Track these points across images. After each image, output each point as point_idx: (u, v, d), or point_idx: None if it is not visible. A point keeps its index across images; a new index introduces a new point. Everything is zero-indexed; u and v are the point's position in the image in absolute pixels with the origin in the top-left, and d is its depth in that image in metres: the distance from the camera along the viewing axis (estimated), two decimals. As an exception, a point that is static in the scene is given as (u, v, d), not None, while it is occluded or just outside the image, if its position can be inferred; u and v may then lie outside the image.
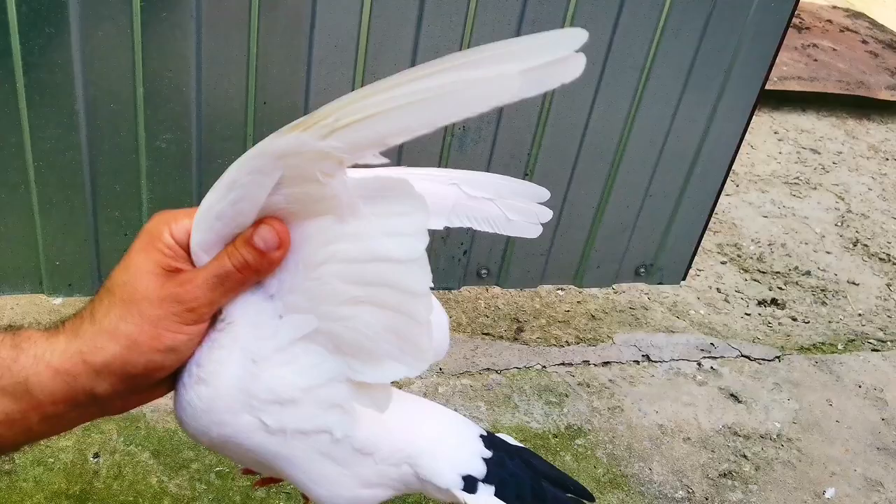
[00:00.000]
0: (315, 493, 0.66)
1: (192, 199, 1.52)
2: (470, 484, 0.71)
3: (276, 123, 1.54)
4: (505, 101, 0.50)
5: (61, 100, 1.37)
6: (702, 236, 2.05)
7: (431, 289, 0.58)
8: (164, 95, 1.41)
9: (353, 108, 0.51)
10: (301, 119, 0.53)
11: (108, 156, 1.44)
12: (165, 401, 1.79)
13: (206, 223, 0.57)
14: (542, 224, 0.78)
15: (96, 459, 1.67)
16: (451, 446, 0.73)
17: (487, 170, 1.72)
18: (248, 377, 0.59)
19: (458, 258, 1.83)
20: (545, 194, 0.79)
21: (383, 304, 0.58)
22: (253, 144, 1.56)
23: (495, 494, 0.72)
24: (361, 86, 1.56)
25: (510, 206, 0.76)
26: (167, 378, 0.61)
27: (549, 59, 0.50)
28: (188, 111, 1.44)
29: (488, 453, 0.74)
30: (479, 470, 0.73)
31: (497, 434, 0.79)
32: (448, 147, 1.66)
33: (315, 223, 0.57)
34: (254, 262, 0.56)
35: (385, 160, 0.53)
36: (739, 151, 1.93)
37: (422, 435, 0.72)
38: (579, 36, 0.52)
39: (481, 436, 0.76)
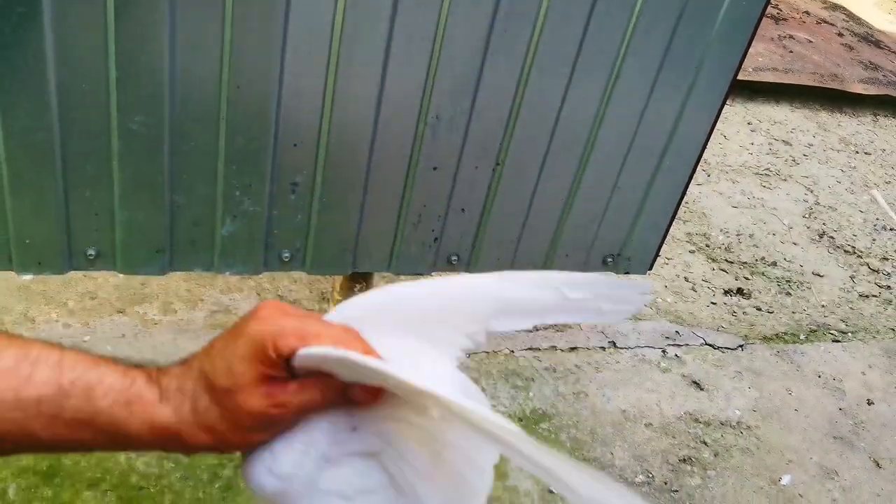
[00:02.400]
0: None
1: (163, 179, 1.53)
2: None
3: (250, 108, 1.55)
4: None
5: (33, 80, 1.36)
6: (668, 228, 2.08)
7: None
8: (136, 77, 1.41)
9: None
10: None
11: (79, 136, 1.44)
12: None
13: (314, 362, 0.62)
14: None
15: (64, 436, 1.69)
16: None
17: (461, 155, 1.74)
18: (316, 472, 0.63)
19: (429, 244, 1.85)
20: (646, 288, 0.80)
21: (445, 477, 0.64)
22: (226, 128, 1.56)
23: None
24: (335, 73, 1.57)
25: (607, 298, 0.77)
26: None
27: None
28: (161, 94, 1.44)
29: None
30: None
31: None
32: (421, 135, 1.68)
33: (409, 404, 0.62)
34: (342, 403, 0.62)
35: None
36: (711, 141, 1.96)
37: None
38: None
39: None
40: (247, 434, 0.60)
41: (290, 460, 0.64)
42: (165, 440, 0.59)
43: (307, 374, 0.61)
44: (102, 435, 0.58)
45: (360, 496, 0.65)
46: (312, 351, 0.59)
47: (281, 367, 0.59)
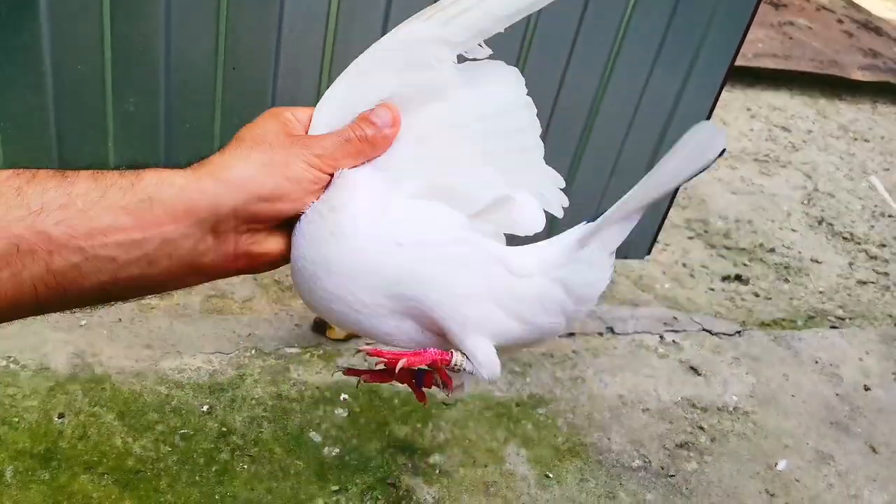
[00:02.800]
0: (459, 316, 0.62)
1: (160, 162, 1.52)
2: None
3: (246, 89, 1.54)
4: None
5: (29, 61, 1.36)
6: (666, 213, 2.08)
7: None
8: (132, 58, 1.41)
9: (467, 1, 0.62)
10: (424, 11, 0.62)
11: (75, 118, 1.44)
12: (130, 363, 1.79)
13: (329, 107, 0.63)
14: None
15: (61, 420, 1.68)
16: None
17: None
18: (377, 210, 0.62)
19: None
20: None
21: (496, 148, 0.66)
22: (221, 110, 1.55)
23: None
24: (332, 53, 1.56)
25: None
26: (282, 233, 0.63)
27: None
28: (156, 75, 1.43)
29: None
30: None
31: None
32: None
33: (425, 108, 0.64)
34: (371, 136, 0.62)
35: (489, 51, 0.64)
36: (708, 129, 1.95)
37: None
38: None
39: None
40: (289, 155, 0.60)
41: (345, 197, 0.62)
42: (194, 192, 0.56)
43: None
44: (128, 215, 0.55)
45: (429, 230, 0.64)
46: (330, 92, 0.64)
47: (303, 129, 0.63)
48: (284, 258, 0.63)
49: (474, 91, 0.65)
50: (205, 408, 1.78)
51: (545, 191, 0.69)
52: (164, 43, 1.43)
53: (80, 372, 1.79)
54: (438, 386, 0.65)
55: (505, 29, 0.62)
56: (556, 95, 1.75)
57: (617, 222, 0.65)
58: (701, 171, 0.63)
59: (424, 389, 0.66)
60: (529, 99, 0.67)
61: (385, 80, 0.63)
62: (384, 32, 1.55)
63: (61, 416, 1.69)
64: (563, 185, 0.69)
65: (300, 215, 0.61)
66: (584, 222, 0.67)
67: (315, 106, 0.63)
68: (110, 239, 0.54)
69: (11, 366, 1.76)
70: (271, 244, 0.62)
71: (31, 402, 1.70)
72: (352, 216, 0.60)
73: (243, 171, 0.57)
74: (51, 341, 1.84)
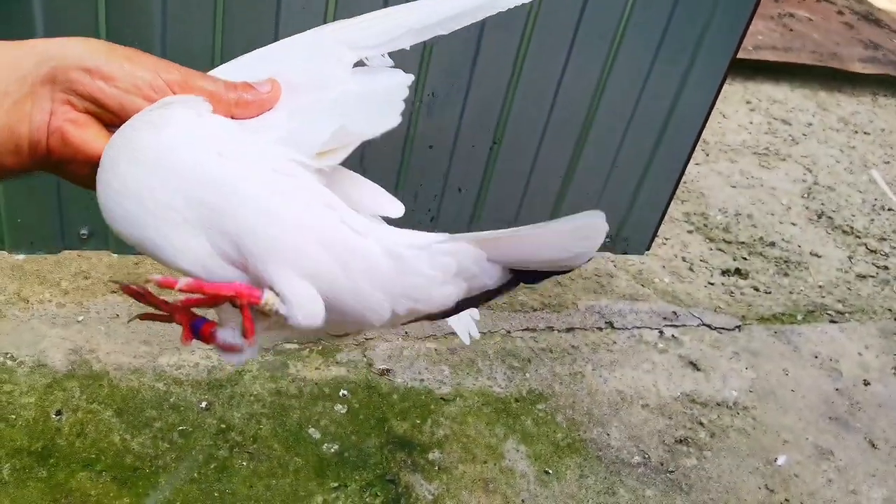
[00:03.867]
0: (270, 240, 0.54)
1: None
2: None
3: (243, 84, 1.53)
4: None
5: (22, 55, 1.34)
6: (667, 207, 2.07)
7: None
8: (125, 42, 1.39)
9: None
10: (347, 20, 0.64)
11: (70, 113, 1.42)
12: (128, 359, 1.78)
13: (219, 70, 0.61)
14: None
15: (59, 417, 1.68)
16: None
17: (457, 133, 1.72)
18: (211, 121, 0.57)
19: (426, 224, 1.84)
20: None
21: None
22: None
23: None
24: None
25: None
26: (106, 134, 0.57)
27: None
28: (153, 70, 1.42)
29: None
30: None
31: None
32: (417, 112, 1.66)
33: (308, 95, 0.62)
34: (245, 98, 0.59)
35: (391, 62, 0.64)
36: (710, 121, 1.94)
37: None
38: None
39: None
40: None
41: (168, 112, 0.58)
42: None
43: None
44: None
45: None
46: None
47: None
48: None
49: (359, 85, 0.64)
50: (203, 404, 1.78)
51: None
52: (159, 37, 1.41)
53: (78, 368, 1.78)
54: (222, 344, 0.57)
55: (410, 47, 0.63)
56: (556, 88, 1.74)
57: (474, 245, 0.59)
58: (571, 260, 0.61)
59: (199, 341, 0.58)
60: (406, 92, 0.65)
61: (283, 65, 0.62)
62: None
63: (59, 413, 1.68)
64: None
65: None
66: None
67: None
68: None
69: (8, 362, 1.76)
70: (90, 135, 0.56)
71: (29, 398, 1.70)
72: (180, 114, 0.55)
73: (82, 43, 0.54)
74: (48, 337, 1.83)
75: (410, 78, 0.64)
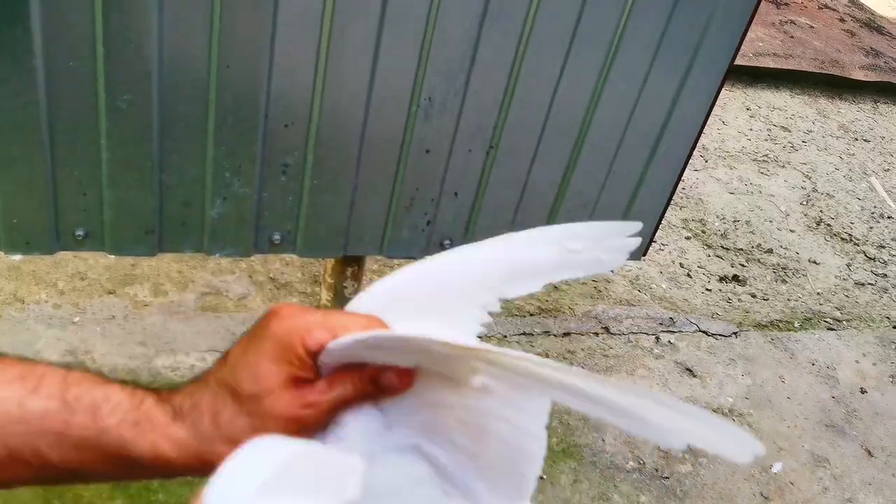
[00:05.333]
0: None
1: (152, 159, 1.51)
2: None
3: (240, 87, 1.53)
4: None
5: (20, 55, 1.34)
6: (664, 213, 2.07)
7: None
8: (124, 55, 1.39)
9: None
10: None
11: (67, 114, 1.42)
12: (124, 360, 1.76)
13: (344, 354, 0.58)
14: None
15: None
16: None
17: (454, 138, 1.72)
18: None
19: (422, 228, 1.84)
20: (638, 227, 0.78)
21: (492, 447, 0.59)
22: (215, 108, 1.54)
23: None
24: (327, 52, 1.55)
25: (606, 248, 0.75)
26: None
27: None
28: (149, 72, 1.42)
29: None
30: None
31: None
32: (414, 116, 1.66)
33: (443, 383, 0.59)
34: (373, 394, 0.58)
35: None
36: (710, 127, 1.94)
37: None
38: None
39: None
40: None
41: None
42: (183, 461, 0.55)
43: (333, 371, 0.58)
44: (111, 458, 0.54)
45: (403, 492, 0.61)
46: (345, 339, 0.56)
47: (311, 366, 0.56)
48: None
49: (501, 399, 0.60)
50: (197, 406, 1.78)
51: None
52: (157, 40, 1.41)
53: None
54: None
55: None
56: (553, 92, 1.74)
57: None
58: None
59: None
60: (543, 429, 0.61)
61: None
62: (380, 31, 1.54)
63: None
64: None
65: None
66: None
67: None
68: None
69: (3, 362, 1.76)
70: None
71: (23, 399, 1.70)
72: None
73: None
74: (43, 338, 1.83)
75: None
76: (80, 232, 1.56)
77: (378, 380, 0.57)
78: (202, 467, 0.55)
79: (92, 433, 0.54)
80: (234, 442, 0.53)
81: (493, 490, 0.61)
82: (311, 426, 0.57)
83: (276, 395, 0.55)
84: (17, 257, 1.89)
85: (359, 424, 0.59)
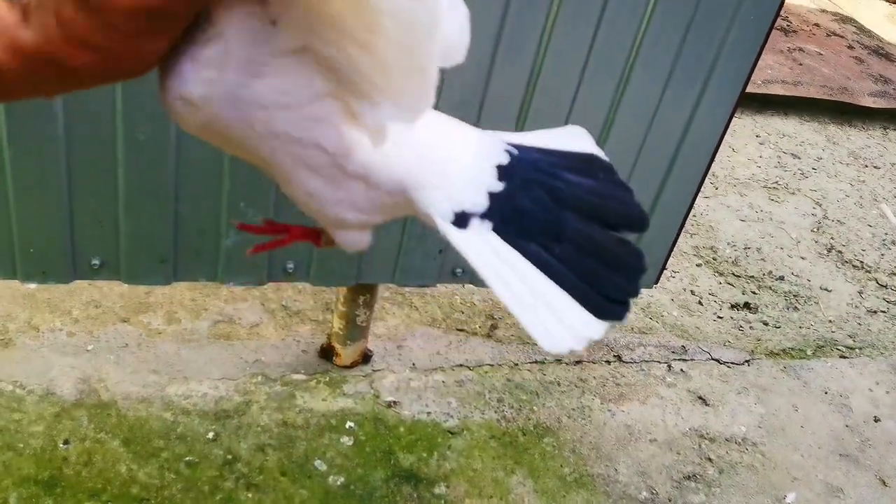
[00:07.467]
0: (302, 204, 0.65)
1: (168, 189, 1.53)
2: (461, 219, 0.68)
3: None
4: None
5: (39, 89, 1.37)
6: (675, 240, 2.07)
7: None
8: (142, 86, 1.41)
9: None
10: None
11: (85, 146, 1.44)
12: (137, 388, 1.78)
13: None
14: None
15: (66, 446, 1.68)
16: (454, 179, 0.69)
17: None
18: (240, 81, 0.55)
19: (434, 256, 1.85)
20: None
21: (387, 43, 0.54)
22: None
23: (495, 230, 0.68)
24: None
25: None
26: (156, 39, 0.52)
27: None
28: (167, 104, 1.44)
29: (498, 186, 0.69)
30: (478, 205, 0.68)
31: (545, 150, 0.76)
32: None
33: None
34: None
35: None
36: (720, 154, 1.95)
37: (424, 166, 0.68)
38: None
39: (499, 165, 0.71)
40: (133, 41, 0.49)
41: (203, 70, 0.53)
42: (39, 68, 0.49)
43: None
44: None
45: (293, 105, 0.57)
46: None
47: None
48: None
49: None
50: (210, 434, 1.78)
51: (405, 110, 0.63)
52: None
53: (86, 397, 1.79)
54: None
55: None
56: (566, 121, 1.75)
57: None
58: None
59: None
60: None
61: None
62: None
63: (66, 442, 1.69)
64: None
65: None
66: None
67: None
68: None
69: (17, 391, 1.77)
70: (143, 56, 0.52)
71: (37, 427, 1.70)
72: (208, 98, 0.55)
73: None
74: (57, 366, 1.84)
75: None
76: (95, 261, 1.57)
77: None
78: (61, 73, 0.50)
79: None
80: (83, 43, 0.48)
81: (392, 95, 0.58)
82: (171, 20, 0.49)
83: None
84: (32, 285, 1.90)
85: (237, 22, 0.53)
